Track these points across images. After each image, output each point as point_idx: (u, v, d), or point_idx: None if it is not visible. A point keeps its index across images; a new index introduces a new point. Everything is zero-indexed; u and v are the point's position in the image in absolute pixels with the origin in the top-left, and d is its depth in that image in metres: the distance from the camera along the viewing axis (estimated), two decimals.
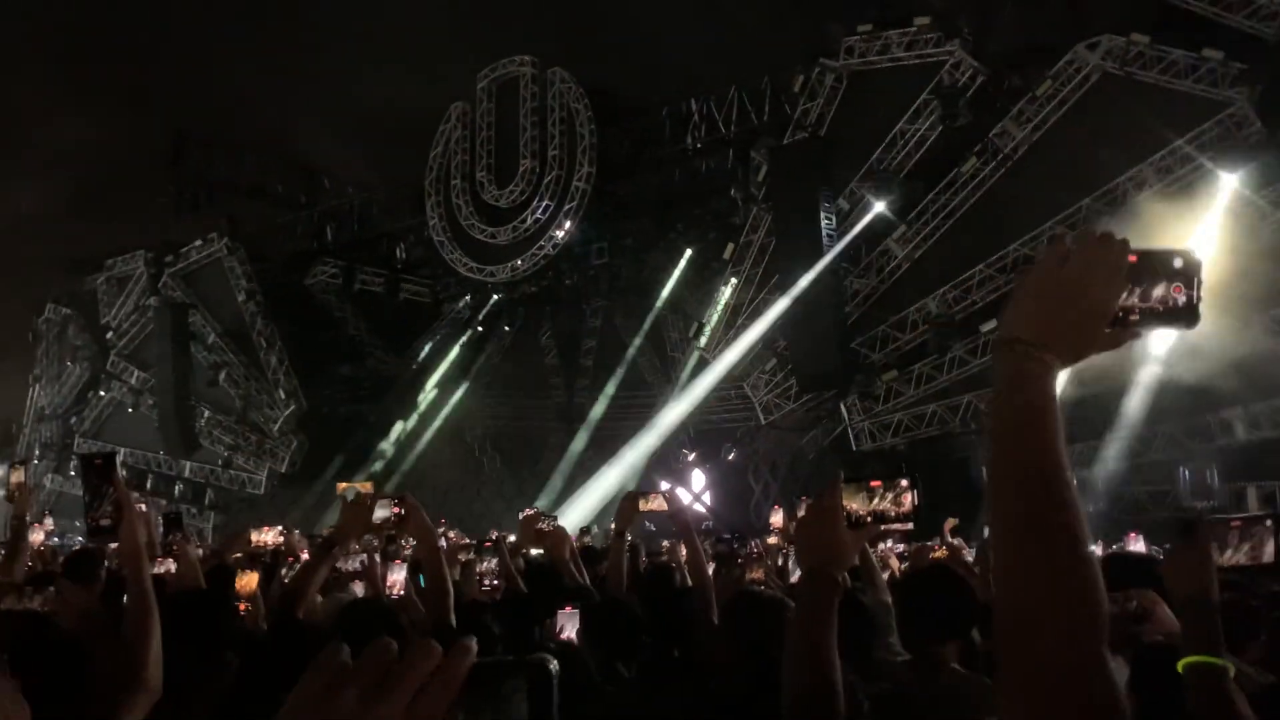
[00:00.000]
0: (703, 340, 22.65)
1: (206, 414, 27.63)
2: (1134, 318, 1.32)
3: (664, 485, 21.49)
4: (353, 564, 4.98)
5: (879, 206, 19.97)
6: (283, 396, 27.12)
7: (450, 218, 26.12)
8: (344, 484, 3.94)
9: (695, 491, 24.20)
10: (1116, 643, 3.41)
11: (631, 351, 24.87)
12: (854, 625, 3.70)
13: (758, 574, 5.86)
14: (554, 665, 1.01)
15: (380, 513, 3.71)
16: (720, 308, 22.50)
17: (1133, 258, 1.31)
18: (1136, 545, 5.89)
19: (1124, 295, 1.32)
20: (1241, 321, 14.63)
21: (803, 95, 21.15)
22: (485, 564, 5.43)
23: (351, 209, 28.20)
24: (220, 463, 27.58)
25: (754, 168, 22.01)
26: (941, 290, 19.38)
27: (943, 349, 19.29)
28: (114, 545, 2.70)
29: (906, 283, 20.06)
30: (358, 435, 26.30)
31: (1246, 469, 16.61)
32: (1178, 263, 1.32)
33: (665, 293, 24.30)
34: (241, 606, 4.07)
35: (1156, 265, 1.32)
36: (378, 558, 5.52)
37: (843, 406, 20.59)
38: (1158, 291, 1.32)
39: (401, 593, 4.72)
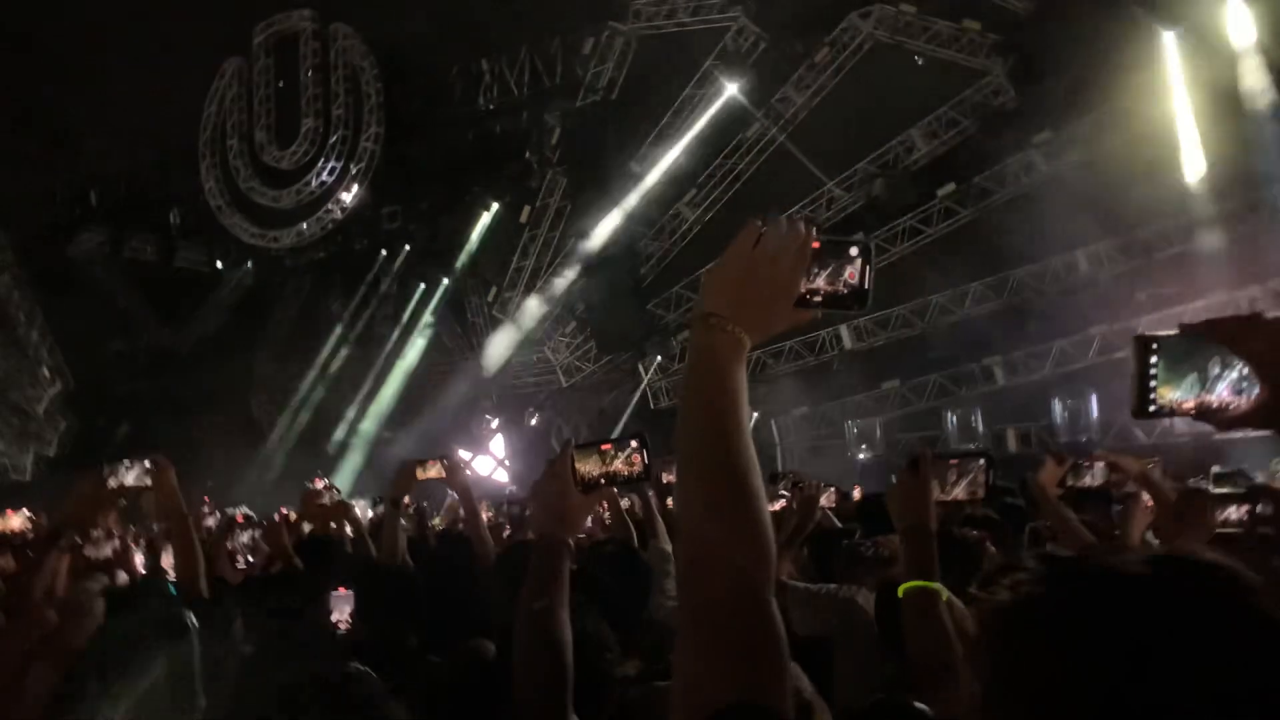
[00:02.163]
0: (501, 304, 22.51)
1: None
2: (816, 299, 1.43)
3: (463, 453, 21.33)
4: (106, 550, 4.67)
5: (668, 169, 20.33)
6: (47, 375, 25.06)
7: (228, 180, 24.73)
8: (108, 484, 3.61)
9: (499, 458, 24.11)
10: (870, 582, 3.64)
11: (428, 317, 24.33)
12: (625, 585, 3.79)
13: None
14: (191, 619, 0.98)
15: (131, 478, 3.45)
16: (518, 272, 22.39)
17: (815, 244, 1.42)
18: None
19: (807, 278, 1.43)
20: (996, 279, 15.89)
21: (593, 58, 21.19)
22: (240, 538, 5.20)
23: (118, 172, 26.19)
24: None
25: (548, 130, 21.92)
26: None
27: None
28: None
29: (698, 244, 20.56)
30: (134, 414, 24.64)
31: (1007, 412, 18.05)
32: (853, 250, 1.45)
33: (462, 257, 23.87)
34: None
35: (835, 251, 1.44)
36: (141, 541, 5.22)
37: (640, 366, 20.99)
38: (836, 276, 1.43)
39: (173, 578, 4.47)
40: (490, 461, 24.25)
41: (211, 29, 23.49)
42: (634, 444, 2.25)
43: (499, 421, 24.35)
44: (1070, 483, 4.48)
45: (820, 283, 1.43)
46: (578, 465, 2.23)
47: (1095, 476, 4.54)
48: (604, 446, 2.26)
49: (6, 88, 21.21)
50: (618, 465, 2.25)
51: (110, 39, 20.81)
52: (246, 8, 24.44)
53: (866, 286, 1.44)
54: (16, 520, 4.81)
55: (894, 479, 2.73)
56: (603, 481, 2.25)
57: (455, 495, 7.14)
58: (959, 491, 2.87)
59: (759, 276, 1.40)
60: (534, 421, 23.88)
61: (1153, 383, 1.38)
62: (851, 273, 1.43)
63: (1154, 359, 1.38)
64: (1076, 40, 16.01)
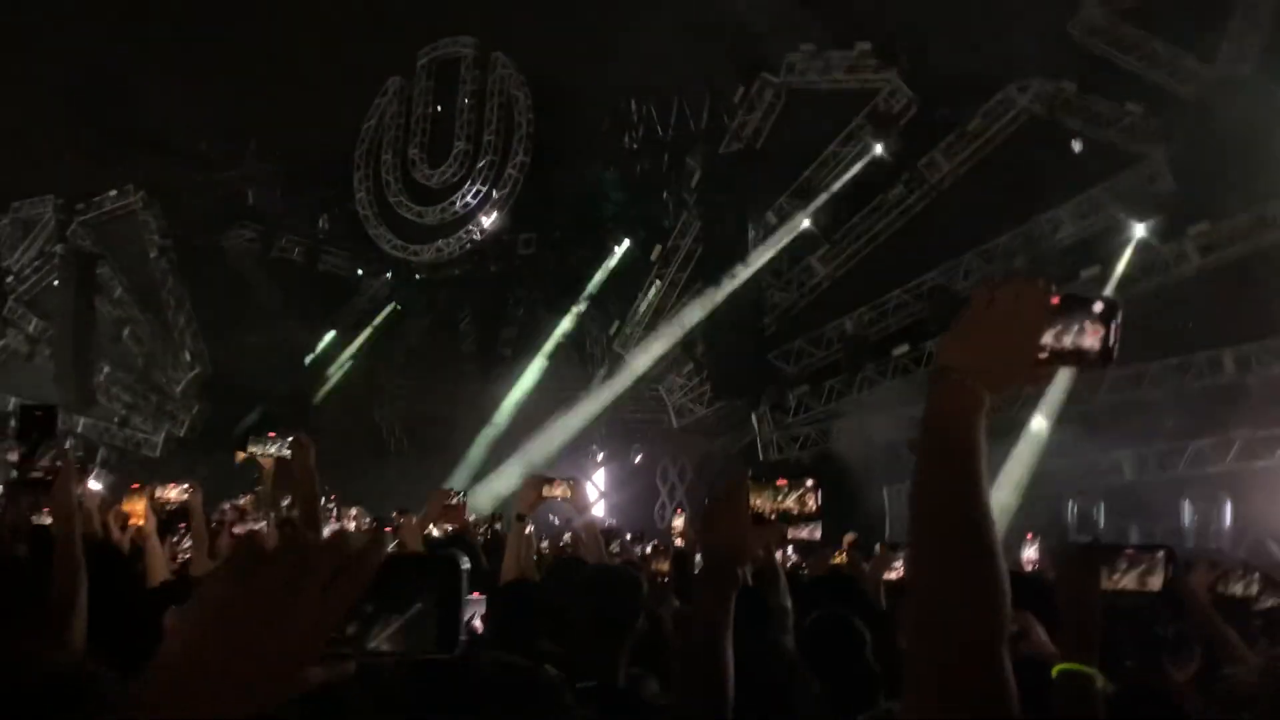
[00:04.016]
0: (621, 340, 22.73)
1: (106, 369, 26.69)
2: (1048, 354, 1.42)
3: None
4: (252, 525, 4.87)
5: (805, 224, 20.32)
6: (187, 359, 26.37)
7: (378, 192, 25.75)
8: (249, 450, 3.83)
9: (601, 489, 24.20)
10: None
11: (550, 344, 24.70)
12: (749, 630, 3.79)
13: (663, 566, 5.93)
14: (465, 561, 1.05)
15: (271, 449, 3.63)
16: (642, 309, 22.60)
17: (1055, 299, 1.42)
18: (1031, 549, 6.36)
19: (1047, 334, 1.41)
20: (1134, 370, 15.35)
21: (741, 107, 21.40)
22: None
23: (276, 174, 27.51)
24: (116, 420, 26.66)
25: (688, 173, 22.19)
26: (858, 311, 19.79)
27: (854, 368, 19.72)
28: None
29: (825, 300, 20.45)
30: (262, 406, 25.62)
31: (1132, 509, 17.29)
32: (1097, 306, 1.44)
33: (590, 289, 24.20)
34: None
35: (1077, 307, 1.43)
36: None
37: (753, 415, 20.88)
38: (1077, 332, 1.42)
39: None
40: (592, 492, 24.37)
41: (379, 49, 24.64)
42: (809, 483, 2.23)
43: (604, 454, 24.48)
44: (1220, 590, 4.32)
45: (1059, 339, 1.42)
46: (751, 497, 2.21)
47: (1249, 587, 4.36)
48: (780, 481, 2.24)
49: (184, 84, 22.52)
50: (790, 503, 2.23)
51: (285, 49, 21.97)
52: (414, 31, 25.52)
53: (1111, 344, 1.43)
54: (174, 491, 5.06)
55: (1062, 561, 2.70)
56: (774, 517, 2.23)
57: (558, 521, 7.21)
58: (1128, 581, 2.79)
59: (996, 331, 1.41)
60: (638, 459, 23.94)
61: None
62: (1095, 330, 1.42)
63: None
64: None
